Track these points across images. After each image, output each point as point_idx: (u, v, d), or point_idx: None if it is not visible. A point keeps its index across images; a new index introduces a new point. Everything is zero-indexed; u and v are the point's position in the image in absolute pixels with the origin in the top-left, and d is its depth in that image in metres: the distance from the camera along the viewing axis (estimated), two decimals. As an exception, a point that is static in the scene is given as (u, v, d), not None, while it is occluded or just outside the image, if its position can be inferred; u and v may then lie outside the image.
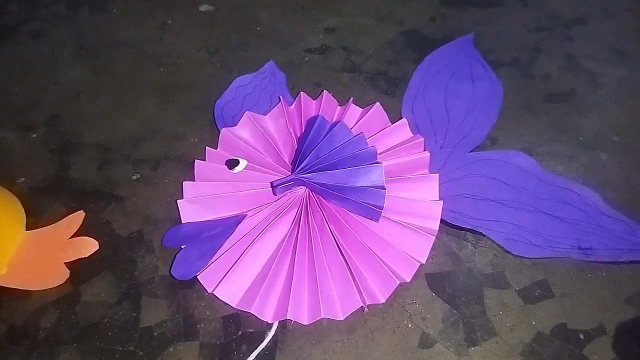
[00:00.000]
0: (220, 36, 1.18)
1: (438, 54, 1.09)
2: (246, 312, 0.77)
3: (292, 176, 0.83)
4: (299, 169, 0.84)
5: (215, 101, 1.02)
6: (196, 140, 0.99)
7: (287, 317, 0.74)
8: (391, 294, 0.76)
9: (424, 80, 1.04)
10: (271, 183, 0.83)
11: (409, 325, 0.75)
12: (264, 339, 0.74)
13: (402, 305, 0.77)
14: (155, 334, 0.77)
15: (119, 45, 1.18)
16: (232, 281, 0.77)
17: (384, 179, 0.80)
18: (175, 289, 0.81)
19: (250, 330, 0.76)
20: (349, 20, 1.19)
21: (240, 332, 0.76)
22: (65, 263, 0.85)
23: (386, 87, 1.05)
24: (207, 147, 0.92)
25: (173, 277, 0.79)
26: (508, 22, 1.17)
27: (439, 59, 1.08)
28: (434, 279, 0.79)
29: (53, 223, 0.90)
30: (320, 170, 0.82)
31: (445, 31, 1.15)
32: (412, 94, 1.02)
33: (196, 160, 0.90)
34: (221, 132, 0.94)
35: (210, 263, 0.78)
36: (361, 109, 0.96)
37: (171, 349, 0.75)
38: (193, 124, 1.02)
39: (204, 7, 1.24)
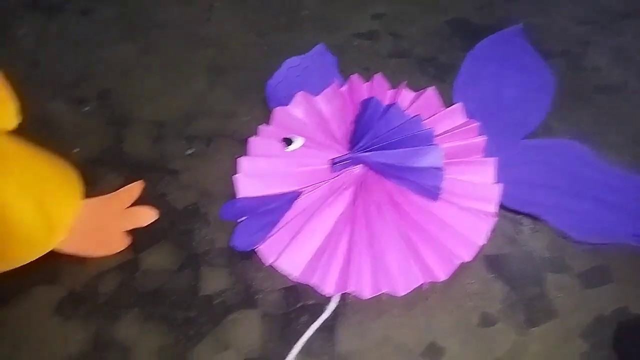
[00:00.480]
0: (268, 19, 1.19)
1: (488, 42, 1.09)
2: (305, 284, 0.78)
3: (351, 154, 0.84)
4: (357, 147, 0.85)
5: (267, 81, 1.03)
6: (248, 118, 1.00)
7: (348, 291, 0.76)
8: (451, 274, 0.77)
9: (475, 68, 1.05)
10: (331, 160, 0.84)
11: (469, 304, 0.76)
12: (325, 311, 0.75)
13: (462, 285, 0.77)
14: (215, 302, 0.78)
15: (166, 25, 1.19)
16: (292, 254, 0.78)
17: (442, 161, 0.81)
18: (233, 261, 0.82)
19: (310, 302, 0.77)
20: (396, 6, 1.20)
21: (300, 304, 0.77)
22: (125, 232, 0.87)
23: (435, 73, 1.06)
24: (260, 125, 0.94)
25: (233, 248, 0.81)
26: (556, 14, 1.18)
27: (490, 48, 1.09)
28: (492, 260, 0.80)
29: (110, 193, 0.92)
30: (378, 149, 0.84)
31: (492, 21, 1.16)
32: (462, 81, 1.03)
33: (250, 137, 0.91)
34: (274, 110, 0.95)
35: (269, 236, 0.80)
36: (414, 93, 0.98)
37: (232, 317, 0.76)
38: (244, 103, 1.03)
39: (251, -10, 1.25)
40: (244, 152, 0.92)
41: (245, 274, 0.80)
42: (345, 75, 1.02)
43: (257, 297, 0.78)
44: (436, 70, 1.07)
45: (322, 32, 1.15)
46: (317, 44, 1.10)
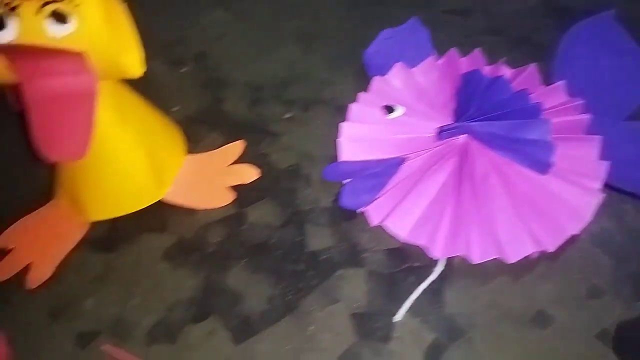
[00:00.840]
0: (359, -8, 1.20)
1: (584, 25, 1.08)
2: (411, 246, 0.79)
3: (459, 123, 0.85)
4: (463, 118, 0.86)
5: (362, 51, 1.04)
6: (343, 86, 1.01)
7: (457, 254, 0.77)
8: (559, 245, 0.77)
9: (571, 49, 1.04)
10: (438, 128, 0.85)
11: (576, 276, 0.76)
12: (432, 273, 0.77)
13: (569, 258, 0.77)
14: (321, 257, 0.80)
15: (257, -7, 1.21)
16: (400, 216, 0.79)
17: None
18: (337, 220, 0.84)
19: (416, 264, 0.78)
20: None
21: (406, 265, 0.78)
22: (229, 187, 0.89)
23: (529, 52, 1.05)
24: (360, 93, 0.95)
25: (341, 207, 0.82)
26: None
27: (585, 30, 1.07)
28: (598, 236, 0.79)
29: (212, 150, 0.94)
30: (486, 120, 0.84)
31: (587, 4, 1.14)
32: (560, 61, 1.02)
33: (351, 104, 0.93)
34: (373, 79, 0.96)
35: (376, 198, 0.81)
36: (511, 70, 0.98)
37: (339, 273, 0.78)
38: (338, 72, 1.04)
39: (340, -36, 1.26)
40: (340, 118, 0.93)
41: (349, 233, 0.82)
42: (438, 50, 1.03)
43: (362, 256, 0.79)
44: (530, 50, 1.06)
45: (412, 6, 1.16)
46: (407, 18, 1.10)
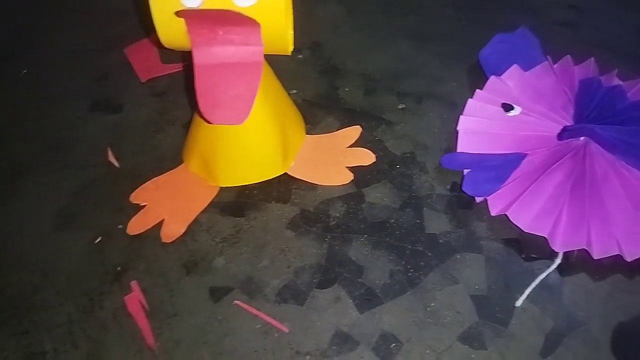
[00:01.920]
0: (464, -3, 1.24)
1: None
2: (528, 237, 0.82)
3: (582, 125, 0.88)
4: (584, 121, 0.89)
5: (478, 52, 1.08)
6: (455, 84, 1.06)
7: (577, 248, 0.80)
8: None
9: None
10: (563, 128, 0.88)
11: (693, 280, 0.78)
12: (550, 265, 0.80)
13: (685, 261, 0.80)
14: (440, 241, 0.84)
15: (366, -9, 1.27)
16: (522, 206, 0.82)
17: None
18: (454, 207, 0.88)
19: (533, 255, 0.81)
20: (593, 1, 1.22)
21: (523, 255, 0.82)
22: (347, 168, 0.94)
23: (637, 67, 1.08)
24: (476, 90, 0.99)
25: (459, 194, 0.86)
26: None
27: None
28: None
29: (329, 132, 0.99)
30: (607, 124, 0.87)
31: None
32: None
33: (469, 99, 0.97)
34: (490, 78, 1.00)
35: (498, 188, 0.84)
36: (623, 82, 1.00)
37: (458, 256, 0.82)
38: (450, 70, 1.08)
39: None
40: (452, 113, 0.98)
41: (467, 220, 0.86)
42: (547, 57, 1.06)
43: (481, 242, 0.83)
44: (637, 64, 1.08)
45: (519, 13, 1.19)
46: (513, 24, 1.14)
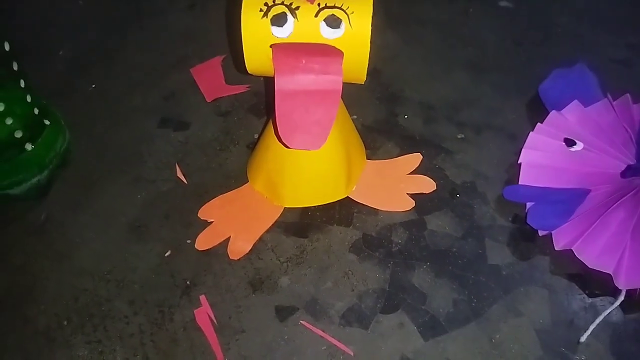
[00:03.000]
0: (523, 30, 1.26)
1: None
2: (591, 273, 0.83)
3: (649, 164, 0.89)
4: (647, 159, 0.89)
5: (538, 86, 1.09)
6: (514, 116, 1.07)
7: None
8: None
9: None
10: (628, 166, 0.89)
11: None
12: (614, 302, 0.80)
13: None
14: (503, 272, 0.85)
15: (424, 22, 1.30)
16: (588, 242, 0.83)
17: None
18: (516, 239, 0.89)
19: (597, 292, 0.82)
20: (649, 39, 1.23)
21: (587, 291, 0.82)
22: (408, 194, 0.96)
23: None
24: (537, 124, 1.00)
25: (524, 225, 0.87)
26: None
27: None
28: None
29: (389, 158, 1.02)
30: (673, 164, 0.88)
31: None
32: None
33: (531, 132, 0.98)
34: (551, 113, 1.01)
35: (564, 223, 0.85)
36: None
37: (522, 289, 0.83)
38: (507, 102, 1.10)
39: (503, 3, 1.33)
40: (512, 145, 0.99)
41: (530, 253, 0.87)
42: (605, 94, 1.07)
43: (544, 276, 0.84)
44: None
45: (575, 50, 1.21)
46: (569, 60, 1.16)
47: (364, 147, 1.02)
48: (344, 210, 0.94)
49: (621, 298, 0.80)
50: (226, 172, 1.01)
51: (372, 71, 1.18)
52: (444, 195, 0.95)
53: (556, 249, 0.85)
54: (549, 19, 1.29)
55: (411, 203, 0.94)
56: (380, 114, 1.10)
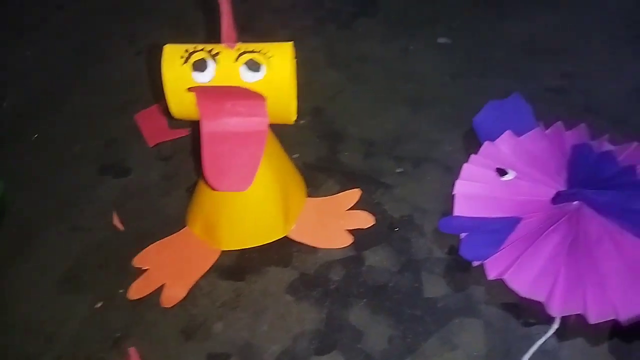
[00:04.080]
0: (460, 65, 1.30)
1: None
2: (526, 302, 0.82)
3: (577, 190, 0.90)
4: (576, 186, 0.91)
5: (472, 118, 1.12)
6: (451, 148, 1.09)
7: (574, 313, 0.80)
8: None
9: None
10: (557, 193, 0.90)
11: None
12: (548, 330, 0.79)
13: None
14: (439, 305, 0.84)
15: (367, 60, 1.33)
16: (519, 270, 0.83)
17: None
18: (452, 271, 0.89)
19: (531, 320, 0.81)
20: (584, 69, 1.27)
21: (521, 320, 0.82)
22: (347, 230, 0.96)
23: (626, 133, 1.11)
24: (471, 155, 1.02)
25: (456, 257, 0.88)
26: None
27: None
28: None
29: (329, 195, 1.02)
30: (600, 189, 0.89)
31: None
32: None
33: (465, 164, 1.00)
34: (484, 143, 1.03)
35: (495, 252, 0.86)
36: (615, 147, 1.03)
37: (457, 321, 0.82)
38: (446, 134, 1.12)
39: (442, 40, 1.37)
40: (449, 176, 1.00)
41: (464, 284, 0.86)
42: (539, 123, 1.10)
43: (479, 307, 0.83)
44: (627, 130, 1.11)
45: (512, 81, 1.24)
46: (507, 90, 1.19)
47: (304, 185, 1.02)
48: (283, 250, 0.93)
49: (555, 326, 0.80)
50: (166, 218, 1.00)
51: (314, 110, 1.21)
52: (382, 230, 0.95)
53: (489, 278, 0.85)
54: (487, 53, 1.33)
55: (349, 239, 0.94)
56: (322, 152, 1.11)
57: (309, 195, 1.02)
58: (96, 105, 1.24)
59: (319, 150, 1.11)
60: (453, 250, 0.91)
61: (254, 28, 1.39)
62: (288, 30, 1.42)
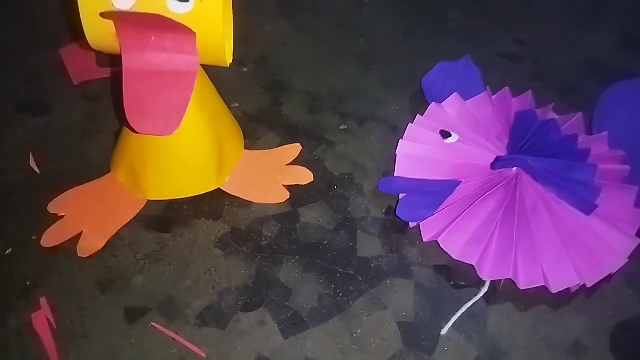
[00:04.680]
0: (415, 23, 1.25)
1: (623, 86, 1.15)
2: (458, 265, 0.82)
3: (515, 156, 0.89)
4: (517, 152, 0.90)
5: (420, 78, 1.09)
6: (398, 108, 1.06)
7: (504, 278, 0.80)
8: (597, 282, 0.81)
9: (611, 106, 1.10)
10: (496, 158, 0.89)
11: (609, 312, 0.80)
12: (478, 293, 0.80)
13: (603, 294, 0.81)
14: (372, 265, 0.83)
15: (319, 10, 1.26)
16: (453, 234, 0.82)
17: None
18: (387, 232, 0.87)
19: (462, 283, 0.81)
20: (537, 37, 1.26)
21: (452, 283, 0.81)
22: (284, 186, 0.92)
23: (572, 102, 1.11)
24: (417, 115, 0.99)
25: (393, 218, 0.86)
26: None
27: (624, 91, 1.13)
28: (630, 278, 0.83)
29: (268, 149, 0.97)
30: (539, 156, 0.89)
31: (630, 66, 1.21)
32: (600, 116, 1.08)
33: (410, 124, 0.97)
34: (431, 105, 1.00)
35: (432, 215, 0.84)
36: (559, 116, 1.03)
37: (388, 282, 0.81)
38: (394, 94, 1.08)
39: (399, -5, 1.32)
40: (394, 137, 0.97)
41: (399, 245, 0.85)
42: (488, 88, 1.08)
43: (412, 268, 0.82)
44: (573, 100, 1.12)
45: (465, 44, 1.21)
46: (459, 54, 1.16)
47: (242, 136, 0.97)
48: (214, 203, 0.88)
49: (485, 289, 0.80)
50: (87, 162, 0.92)
51: (260, 58, 1.14)
52: (320, 187, 0.92)
53: (424, 240, 0.84)
54: (442, 13, 1.29)
55: (286, 195, 0.90)
56: (264, 103, 1.05)
57: (247, 147, 0.96)
58: (17, 36, 1.12)
59: (260, 101, 1.05)
60: (390, 211, 0.89)
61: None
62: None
